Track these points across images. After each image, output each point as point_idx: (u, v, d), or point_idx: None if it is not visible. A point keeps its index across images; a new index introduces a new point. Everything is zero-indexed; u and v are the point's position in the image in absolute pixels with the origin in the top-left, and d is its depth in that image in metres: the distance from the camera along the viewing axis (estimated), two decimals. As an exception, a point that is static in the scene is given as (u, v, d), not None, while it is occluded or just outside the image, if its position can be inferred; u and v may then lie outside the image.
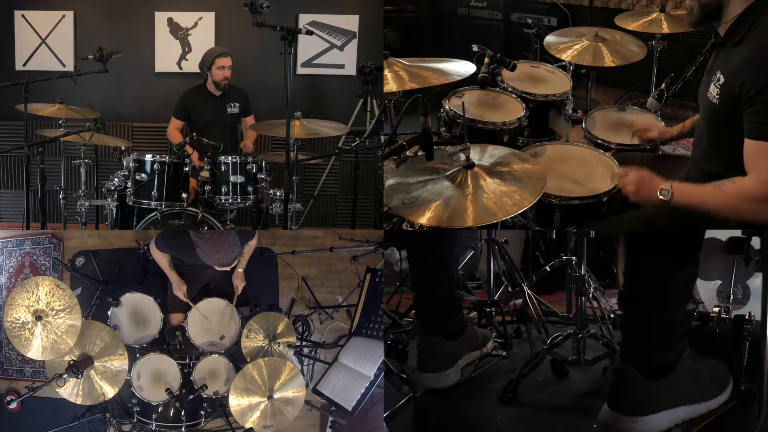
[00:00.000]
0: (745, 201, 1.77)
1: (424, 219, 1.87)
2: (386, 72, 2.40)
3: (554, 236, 3.75)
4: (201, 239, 2.53)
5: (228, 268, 2.73)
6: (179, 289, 2.93)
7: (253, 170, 3.44)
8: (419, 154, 2.22)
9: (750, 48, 1.78)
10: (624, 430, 1.85)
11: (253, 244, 2.94)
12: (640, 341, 1.92)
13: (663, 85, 3.23)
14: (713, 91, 1.89)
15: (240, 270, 2.97)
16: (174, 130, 4.00)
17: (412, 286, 2.56)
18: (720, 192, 1.82)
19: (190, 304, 2.94)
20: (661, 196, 1.90)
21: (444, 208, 1.88)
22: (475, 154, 2.06)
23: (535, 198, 1.89)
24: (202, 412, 2.88)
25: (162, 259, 2.90)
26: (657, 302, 1.89)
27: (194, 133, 3.53)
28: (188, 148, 3.41)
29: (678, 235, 1.92)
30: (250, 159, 3.46)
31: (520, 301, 2.95)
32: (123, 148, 3.42)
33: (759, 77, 1.72)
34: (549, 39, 3.32)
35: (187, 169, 3.34)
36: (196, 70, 4.12)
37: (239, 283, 2.97)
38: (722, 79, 1.85)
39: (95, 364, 2.60)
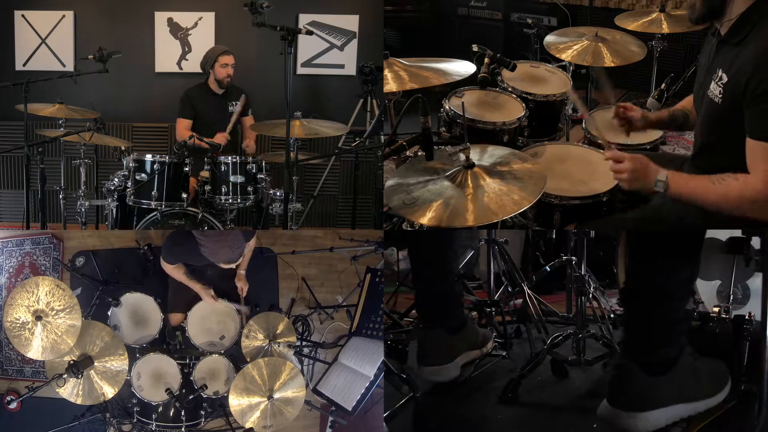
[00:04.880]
0: (747, 200, 1.77)
1: (425, 219, 1.87)
2: (386, 72, 2.40)
3: (554, 236, 3.75)
4: (205, 238, 2.53)
5: (233, 266, 2.73)
6: (207, 295, 2.92)
7: (253, 170, 3.44)
8: (419, 154, 2.22)
9: (756, 47, 1.77)
10: (623, 426, 1.84)
11: (252, 244, 2.94)
12: (641, 337, 1.91)
13: (663, 85, 3.24)
14: (715, 89, 1.88)
15: (242, 272, 2.96)
16: (184, 130, 3.95)
17: (413, 283, 2.56)
18: (719, 187, 1.81)
19: (224, 302, 2.94)
20: (656, 188, 1.86)
21: (444, 208, 1.88)
22: (475, 154, 2.06)
23: (535, 198, 1.89)
24: (202, 412, 2.88)
25: (177, 272, 2.88)
26: (658, 299, 1.88)
27: (194, 134, 3.53)
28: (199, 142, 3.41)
29: (679, 233, 1.91)
30: (250, 159, 3.45)
31: (520, 301, 2.95)
32: (123, 148, 3.42)
33: (767, 77, 1.71)
34: (549, 39, 3.33)
35: (187, 169, 3.34)
36: (196, 70, 4.12)
37: (243, 285, 2.97)
38: (725, 78, 1.84)
39: (95, 364, 2.59)
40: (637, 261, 1.96)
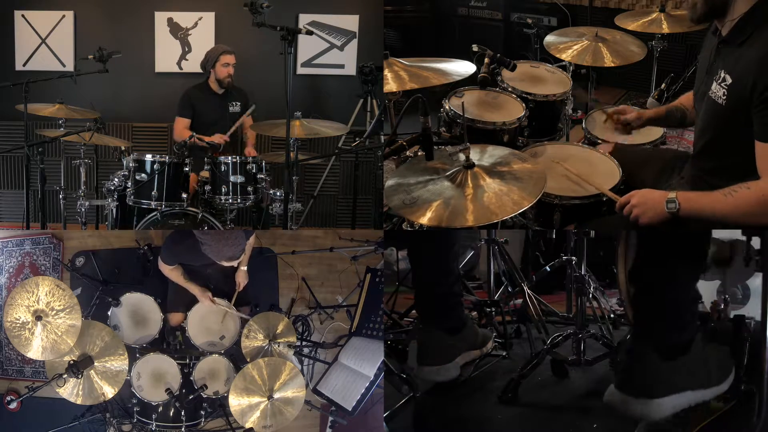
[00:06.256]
0: (763, 205, 1.74)
1: (425, 219, 1.87)
2: (386, 72, 2.40)
3: (554, 236, 3.75)
4: (206, 236, 2.53)
5: (235, 263, 2.73)
6: (205, 298, 2.91)
7: (253, 170, 3.44)
8: (419, 154, 2.22)
9: (761, 49, 1.76)
10: (632, 413, 1.79)
11: (251, 241, 2.94)
12: (652, 321, 1.87)
13: (663, 85, 3.25)
14: (718, 91, 1.87)
15: (243, 268, 2.96)
16: (183, 130, 3.95)
17: (413, 283, 2.56)
18: (732, 198, 1.78)
19: (222, 305, 2.93)
20: (668, 210, 1.86)
21: (444, 208, 1.88)
22: (475, 154, 2.06)
23: (535, 198, 1.89)
24: (202, 412, 2.88)
25: (174, 273, 2.88)
26: (668, 281, 1.84)
27: (193, 134, 3.53)
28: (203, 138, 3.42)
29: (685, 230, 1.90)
30: (250, 159, 3.45)
31: (520, 301, 2.95)
32: (123, 148, 3.42)
33: None
34: (549, 39, 3.33)
35: (187, 169, 3.34)
36: (196, 70, 4.12)
37: (242, 281, 2.97)
38: (729, 80, 1.83)
39: (95, 364, 2.59)
40: (647, 242, 1.92)
